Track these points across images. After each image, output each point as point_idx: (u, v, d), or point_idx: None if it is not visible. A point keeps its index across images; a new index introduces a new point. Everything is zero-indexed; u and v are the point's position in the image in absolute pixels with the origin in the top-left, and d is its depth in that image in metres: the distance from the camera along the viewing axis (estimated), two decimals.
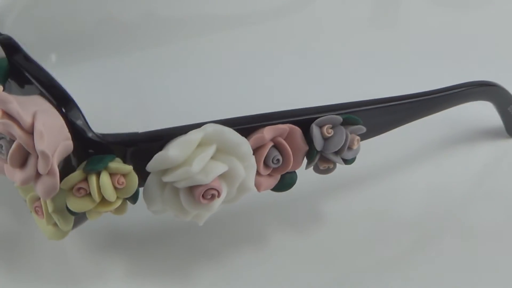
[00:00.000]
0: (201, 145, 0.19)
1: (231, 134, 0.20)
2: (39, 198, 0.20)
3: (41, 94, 0.19)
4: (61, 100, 0.19)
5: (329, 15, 0.42)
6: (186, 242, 0.25)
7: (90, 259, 0.24)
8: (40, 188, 0.19)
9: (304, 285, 0.24)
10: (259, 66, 0.37)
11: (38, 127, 0.18)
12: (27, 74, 0.20)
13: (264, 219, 0.26)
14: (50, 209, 0.20)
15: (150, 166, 0.19)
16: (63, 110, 0.19)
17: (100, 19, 0.39)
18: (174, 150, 0.19)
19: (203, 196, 0.20)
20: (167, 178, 0.19)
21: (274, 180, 0.22)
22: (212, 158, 0.20)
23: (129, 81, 0.35)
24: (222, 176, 0.20)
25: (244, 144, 0.20)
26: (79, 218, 0.21)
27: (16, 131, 0.18)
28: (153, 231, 0.25)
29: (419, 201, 0.28)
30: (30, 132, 0.18)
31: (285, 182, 0.22)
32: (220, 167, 0.20)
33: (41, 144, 0.18)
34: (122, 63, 0.36)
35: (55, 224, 0.20)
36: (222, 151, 0.20)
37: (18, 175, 0.19)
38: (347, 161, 0.22)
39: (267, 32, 0.40)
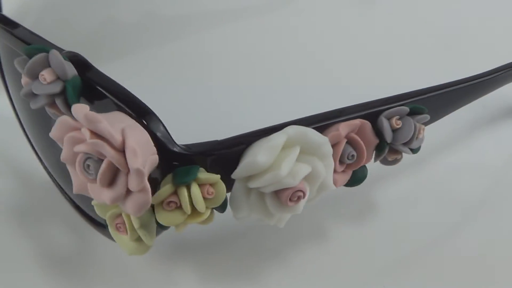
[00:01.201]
0: (285, 147, 0.19)
1: (313, 135, 0.20)
2: (120, 215, 0.20)
3: (120, 109, 0.19)
4: (141, 113, 0.19)
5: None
6: (247, 244, 0.25)
7: (159, 270, 0.24)
8: (130, 205, 0.18)
9: (371, 274, 0.24)
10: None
11: (130, 144, 0.17)
12: (101, 90, 0.19)
13: (317, 213, 0.26)
14: (136, 225, 0.19)
15: (237, 173, 0.19)
16: (144, 123, 0.18)
17: (100, 23, 0.39)
18: (262, 156, 0.19)
19: (290, 198, 0.19)
20: (254, 184, 0.19)
21: (347, 176, 0.22)
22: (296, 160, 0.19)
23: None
24: (305, 177, 0.20)
25: (325, 144, 0.20)
26: (158, 230, 0.20)
27: (108, 151, 0.17)
28: (213, 236, 0.25)
29: (466, 182, 0.28)
30: (121, 150, 0.18)
31: (358, 177, 0.22)
32: (305, 168, 0.19)
33: (136, 161, 0.17)
34: (127, 65, 0.35)
35: (137, 240, 0.20)
36: (304, 152, 0.20)
37: (106, 194, 0.18)
38: (413, 151, 0.22)
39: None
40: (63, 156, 0.18)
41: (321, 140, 0.20)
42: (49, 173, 0.26)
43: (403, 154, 0.23)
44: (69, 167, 0.19)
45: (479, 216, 0.27)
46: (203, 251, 0.24)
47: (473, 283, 0.24)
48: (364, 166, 0.22)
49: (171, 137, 0.19)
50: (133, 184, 0.18)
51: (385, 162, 0.23)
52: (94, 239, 0.25)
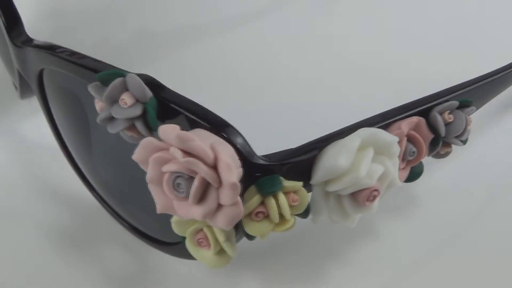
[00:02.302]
0: (359, 149, 0.20)
1: (384, 135, 0.20)
2: (201, 230, 0.20)
3: (196, 125, 0.19)
4: (220, 127, 0.19)
5: None
6: (306, 248, 0.25)
7: (227, 282, 0.24)
8: (221, 219, 0.19)
9: (431, 265, 0.24)
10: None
11: (224, 159, 0.18)
12: (176, 107, 0.19)
13: None
14: (222, 238, 0.20)
15: (317, 178, 0.20)
16: (225, 136, 0.19)
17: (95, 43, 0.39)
18: (343, 160, 0.19)
19: (367, 199, 0.20)
20: (332, 187, 0.20)
21: (407, 172, 0.23)
22: None
23: None
24: None
25: (395, 143, 0.20)
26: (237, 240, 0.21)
27: (201, 168, 0.18)
28: (272, 242, 0.25)
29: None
30: (213, 165, 0.18)
31: (415, 172, 0.23)
32: (380, 168, 0.20)
33: (231, 176, 0.18)
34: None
35: (219, 252, 0.20)
36: (376, 152, 0.20)
37: (197, 210, 0.19)
38: (463, 142, 0.23)
39: None
40: (149, 177, 0.19)
41: (392, 140, 0.20)
42: (99, 196, 0.26)
43: (453, 146, 0.23)
44: (153, 188, 0.19)
45: None
46: (268, 258, 0.25)
47: None
48: (421, 161, 0.23)
49: (251, 148, 0.19)
50: (226, 199, 0.18)
51: (437, 156, 0.24)
52: (152, 257, 0.25)
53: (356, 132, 0.20)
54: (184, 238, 0.21)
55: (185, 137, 0.18)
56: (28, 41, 0.24)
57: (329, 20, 0.41)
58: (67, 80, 0.23)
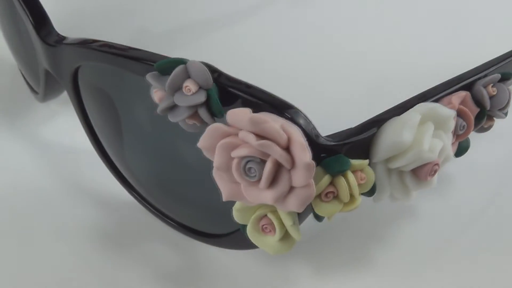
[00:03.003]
0: (419, 125, 0.20)
1: (442, 109, 0.20)
2: (265, 216, 0.20)
3: (259, 108, 0.19)
4: (284, 108, 0.19)
5: None
6: (349, 233, 0.25)
7: (276, 271, 0.24)
8: (294, 201, 0.19)
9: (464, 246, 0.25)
10: None
11: (298, 139, 0.18)
12: (236, 92, 0.19)
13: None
14: (290, 222, 0.20)
15: (379, 155, 0.20)
16: (289, 117, 0.19)
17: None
18: (407, 135, 0.19)
19: (429, 173, 0.20)
20: (395, 164, 0.20)
21: (455, 147, 0.23)
22: None
23: None
24: None
25: (451, 117, 0.20)
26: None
27: (275, 150, 0.18)
28: (316, 230, 0.25)
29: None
30: (286, 147, 0.18)
31: (463, 146, 0.23)
32: (439, 143, 0.20)
33: (306, 156, 0.18)
34: None
35: (283, 237, 0.20)
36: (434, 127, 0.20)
37: (268, 194, 0.18)
38: (505, 114, 0.24)
39: None
40: (217, 163, 0.18)
41: (450, 114, 0.20)
42: (138, 195, 0.25)
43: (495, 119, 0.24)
44: (219, 175, 0.19)
45: None
46: (310, 246, 0.25)
47: None
48: (467, 136, 0.23)
49: (316, 129, 0.19)
50: (300, 180, 0.18)
51: (480, 130, 0.24)
52: (197, 252, 0.24)
53: (414, 108, 0.20)
54: (244, 226, 0.21)
55: (258, 120, 0.17)
56: (61, 39, 0.23)
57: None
58: (106, 76, 0.23)
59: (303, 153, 0.18)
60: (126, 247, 0.24)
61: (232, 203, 0.20)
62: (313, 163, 0.18)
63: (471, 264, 0.24)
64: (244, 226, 0.21)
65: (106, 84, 0.23)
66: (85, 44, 0.22)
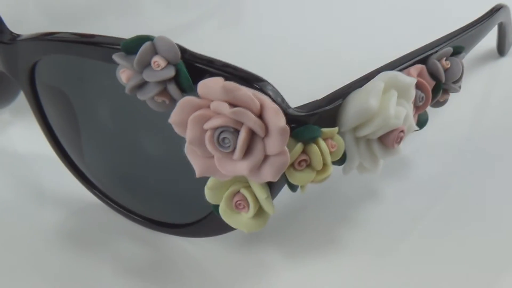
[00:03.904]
0: (383, 92, 0.21)
1: (404, 77, 0.21)
2: (238, 192, 0.20)
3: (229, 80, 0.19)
4: (254, 80, 0.19)
5: None
6: (317, 217, 0.26)
7: (247, 258, 0.24)
8: (268, 170, 0.19)
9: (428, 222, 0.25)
10: None
11: (271, 105, 0.18)
12: (204, 67, 0.19)
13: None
14: (264, 195, 0.20)
15: (348, 124, 0.20)
16: (258, 87, 0.19)
17: None
18: (373, 101, 0.20)
19: (396, 140, 0.21)
20: (363, 132, 0.20)
21: (416, 119, 0.23)
22: None
23: None
24: None
25: (412, 85, 0.21)
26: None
27: (250, 117, 0.18)
28: (282, 216, 0.25)
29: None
30: (259, 114, 0.18)
31: (423, 119, 0.24)
32: (403, 109, 0.21)
33: (280, 120, 0.18)
34: None
35: (257, 214, 0.20)
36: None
37: (243, 165, 0.19)
38: (459, 88, 0.24)
39: None
40: (189, 138, 0.18)
41: (411, 81, 0.21)
42: (100, 193, 0.25)
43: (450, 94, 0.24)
44: (191, 150, 0.19)
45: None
46: (278, 232, 0.25)
47: None
48: (425, 110, 0.24)
49: (285, 100, 0.19)
50: (275, 146, 0.18)
51: (436, 104, 0.24)
52: (167, 244, 0.24)
53: (377, 77, 0.21)
54: (216, 206, 0.20)
55: (231, 87, 0.18)
56: (16, 36, 0.23)
57: None
58: (64, 69, 0.23)
59: (277, 118, 0.18)
60: (93, 247, 0.24)
61: (200, 189, 0.20)
62: (287, 127, 0.18)
63: (439, 239, 0.24)
64: (216, 207, 0.21)
65: (64, 78, 0.23)
66: (44, 36, 0.22)
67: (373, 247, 0.24)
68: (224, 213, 0.20)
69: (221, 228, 0.22)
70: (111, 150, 0.24)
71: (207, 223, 0.22)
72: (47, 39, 0.22)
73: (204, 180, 0.20)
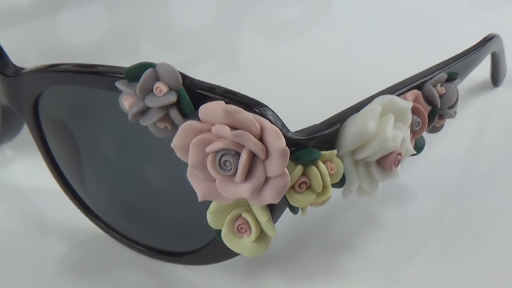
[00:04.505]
0: (380, 116, 0.21)
1: (400, 101, 0.21)
2: (240, 216, 0.20)
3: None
4: (253, 105, 0.19)
5: None
6: (317, 242, 0.26)
7: (248, 284, 0.24)
8: (269, 192, 0.19)
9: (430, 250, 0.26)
10: None
11: (271, 127, 0.18)
12: (205, 93, 0.20)
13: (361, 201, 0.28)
14: (265, 218, 0.20)
15: (346, 147, 0.21)
16: (260, 113, 0.19)
17: None
18: (370, 124, 0.20)
19: (393, 163, 0.21)
20: (361, 154, 0.21)
21: (413, 144, 0.24)
22: None
23: None
24: None
25: (409, 109, 0.22)
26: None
27: (250, 139, 0.18)
28: (284, 242, 0.26)
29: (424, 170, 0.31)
30: (259, 137, 0.19)
31: (420, 144, 0.24)
32: (400, 133, 0.21)
33: (280, 142, 0.18)
34: None
35: (259, 237, 0.21)
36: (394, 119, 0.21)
37: (244, 187, 0.19)
38: (455, 113, 0.25)
39: None
40: (191, 162, 0.19)
41: (407, 105, 0.21)
42: (104, 224, 0.25)
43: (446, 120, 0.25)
44: (193, 174, 0.19)
45: None
46: (280, 257, 0.25)
47: None
48: (422, 135, 0.24)
49: (284, 124, 0.20)
50: (275, 168, 0.19)
51: (432, 130, 0.25)
52: (169, 273, 0.24)
53: (374, 100, 0.21)
54: (218, 232, 0.21)
55: (232, 110, 0.18)
56: (20, 69, 0.24)
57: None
58: (68, 100, 0.23)
59: (277, 140, 0.18)
60: (96, 277, 0.24)
61: (201, 216, 0.21)
62: (287, 149, 0.18)
63: (437, 267, 0.25)
64: (219, 232, 0.21)
65: (67, 109, 0.24)
66: (47, 68, 0.22)
67: (377, 274, 0.24)
68: (226, 238, 0.21)
69: (223, 254, 0.22)
70: (112, 180, 0.24)
71: (209, 250, 0.23)
72: (51, 70, 0.22)
73: (206, 207, 0.20)
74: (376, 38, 0.45)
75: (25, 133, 0.26)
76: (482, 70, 0.35)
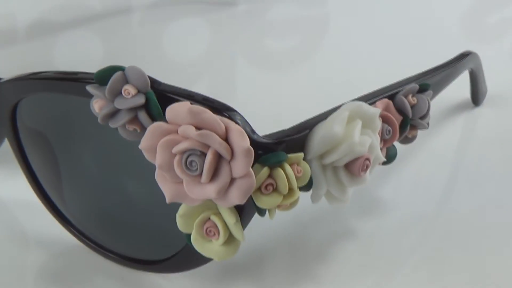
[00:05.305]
0: (348, 122, 0.21)
1: (368, 107, 0.22)
2: (209, 219, 0.21)
3: None
4: (222, 109, 0.20)
5: None
6: (293, 253, 0.26)
7: None
8: (235, 193, 0.19)
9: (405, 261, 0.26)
10: None
11: (236, 127, 0.19)
12: (174, 97, 0.20)
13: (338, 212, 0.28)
14: (233, 220, 0.20)
15: (314, 151, 0.21)
16: (228, 116, 0.20)
17: None
18: (337, 128, 0.21)
19: (361, 168, 0.21)
20: (329, 159, 0.21)
21: (384, 153, 0.24)
22: None
23: None
24: None
25: (377, 115, 0.22)
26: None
27: (215, 139, 0.19)
28: (260, 251, 0.26)
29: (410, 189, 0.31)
30: (224, 138, 0.19)
31: (392, 153, 0.24)
32: (368, 138, 0.22)
33: (244, 142, 0.19)
34: None
35: (227, 241, 0.21)
36: (362, 126, 0.22)
37: (211, 188, 0.19)
38: (428, 125, 0.25)
39: None
40: (159, 163, 0.19)
41: (375, 112, 0.22)
42: (80, 234, 0.26)
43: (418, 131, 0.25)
44: (161, 176, 0.20)
45: None
46: (253, 267, 0.25)
47: None
48: (393, 144, 0.24)
49: (252, 128, 0.20)
50: (240, 168, 0.19)
51: (405, 140, 0.25)
52: (143, 282, 0.24)
53: (342, 107, 0.22)
54: (188, 236, 0.21)
55: (197, 110, 0.18)
56: None
57: None
58: (44, 108, 0.24)
59: (242, 140, 0.19)
60: (74, 287, 0.24)
61: (173, 224, 0.21)
62: (252, 149, 0.18)
63: (416, 276, 0.25)
64: (189, 236, 0.21)
65: (43, 117, 0.24)
66: (28, 76, 0.23)
67: (346, 286, 0.24)
68: (196, 241, 0.21)
69: (195, 261, 0.23)
70: (88, 189, 0.25)
71: (181, 257, 0.23)
72: (30, 78, 0.23)
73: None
74: (369, 67, 0.45)
75: (5, 144, 0.26)
76: (463, 89, 0.36)
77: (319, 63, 0.43)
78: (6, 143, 0.25)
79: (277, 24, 0.51)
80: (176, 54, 0.47)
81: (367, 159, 0.21)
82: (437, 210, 0.29)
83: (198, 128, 0.19)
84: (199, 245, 0.21)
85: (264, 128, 0.21)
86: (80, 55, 0.48)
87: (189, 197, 0.20)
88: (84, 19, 0.51)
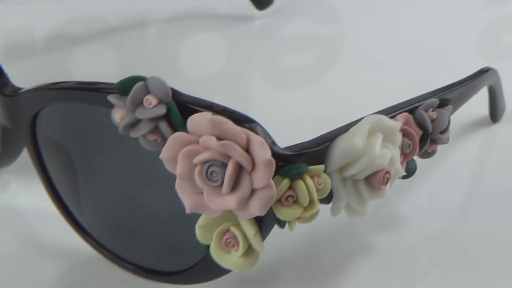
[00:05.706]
0: (369, 135, 0.21)
1: (388, 121, 0.22)
2: (228, 230, 0.21)
3: None
4: (243, 120, 0.20)
5: None
6: (308, 267, 0.26)
7: None
8: (256, 204, 0.19)
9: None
10: None
11: (257, 138, 0.19)
12: (195, 107, 0.20)
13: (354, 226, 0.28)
14: (252, 231, 0.20)
15: (334, 164, 0.21)
16: (249, 127, 0.20)
17: None
18: (358, 141, 0.21)
19: (382, 181, 0.21)
20: (349, 172, 0.21)
21: (404, 167, 0.24)
22: None
23: None
24: None
25: (397, 129, 0.22)
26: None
27: (236, 150, 0.19)
28: (274, 263, 0.26)
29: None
30: (246, 148, 0.19)
31: (411, 168, 0.24)
32: (388, 152, 0.21)
33: (266, 153, 0.19)
34: None
35: (247, 252, 0.21)
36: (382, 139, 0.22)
37: (231, 199, 0.19)
38: (448, 139, 0.25)
39: None
40: (179, 173, 0.19)
41: (395, 125, 0.22)
42: (98, 244, 0.25)
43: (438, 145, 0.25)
44: (181, 186, 0.20)
45: None
46: (268, 280, 0.25)
47: None
48: (413, 159, 0.24)
49: (273, 139, 0.20)
50: (261, 179, 0.19)
51: (424, 155, 0.25)
52: None
53: (362, 120, 0.21)
54: (207, 247, 0.21)
55: (219, 120, 0.18)
56: (18, 89, 0.24)
57: None
58: (65, 119, 0.24)
59: (263, 151, 0.18)
60: None
61: (192, 235, 0.21)
62: (273, 160, 0.18)
63: None
64: (208, 247, 0.21)
65: (63, 128, 0.24)
66: (47, 86, 0.23)
67: None
68: (215, 253, 0.21)
69: (213, 272, 0.23)
70: (105, 199, 0.25)
71: (199, 269, 0.23)
72: (50, 88, 0.23)
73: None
74: (387, 83, 0.45)
75: (24, 154, 0.26)
76: (481, 107, 0.35)
77: (337, 78, 0.43)
78: (25, 152, 0.25)
79: (294, 39, 0.50)
80: (192, 69, 0.47)
81: (388, 172, 0.21)
82: (454, 227, 0.28)
83: (219, 138, 0.19)
84: (218, 256, 0.21)
85: (282, 141, 0.21)
86: (97, 68, 0.47)
87: (209, 208, 0.19)
88: (101, 32, 0.51)
